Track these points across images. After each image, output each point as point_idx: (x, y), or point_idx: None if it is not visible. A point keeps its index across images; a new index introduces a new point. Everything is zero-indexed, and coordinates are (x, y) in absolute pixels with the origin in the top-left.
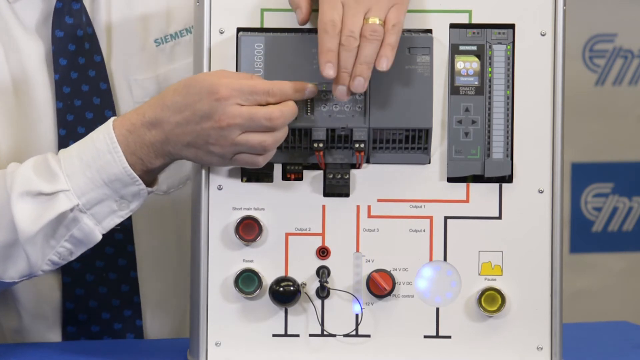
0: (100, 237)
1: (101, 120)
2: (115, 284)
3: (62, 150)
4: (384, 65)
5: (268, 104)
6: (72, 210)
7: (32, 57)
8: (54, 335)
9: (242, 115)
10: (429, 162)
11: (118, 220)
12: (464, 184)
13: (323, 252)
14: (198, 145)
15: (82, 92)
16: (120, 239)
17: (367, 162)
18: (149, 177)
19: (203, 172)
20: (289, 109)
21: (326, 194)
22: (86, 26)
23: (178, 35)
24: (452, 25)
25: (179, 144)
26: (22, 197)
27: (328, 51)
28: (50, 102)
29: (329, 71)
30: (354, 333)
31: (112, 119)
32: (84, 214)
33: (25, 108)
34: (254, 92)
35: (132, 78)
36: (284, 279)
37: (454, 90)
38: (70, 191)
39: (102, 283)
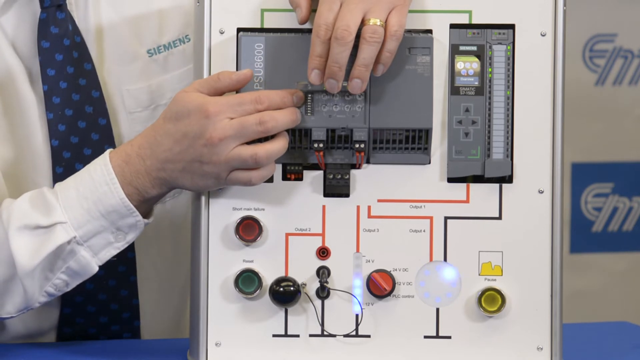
0: (96, 269)
1: (94, 128)
2: (114, 290)
3: (58, 183)
4: (379, 71)
5: (257, 112)
6: (69, 242)
7: (20, 71)
8: (48, 337)
9: (233, 127)
10: (429, 163)
11: (114, 252)
12: (464, 184)
13: (323, 253)
14: (193, 168)
15: (72, 101)
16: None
17: (367, 162)
18: (146, 208)
19: None
20: (279, 113)
21: (326, 194)
22: (73, 35)
23: (171, 46)
24: (452, 26)
25: (174, 170)
26: (19, 231)
27: (317, 57)
28: (42, 115)
29: (314, 78)
30: (354, 333)
31: (108, 150)
32: (81, 246)
33: (17, 123)
34: (242, 102)
35: (124, 88)
36: (284, 279)
37: (454, 90)
38: (67, 223)
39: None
